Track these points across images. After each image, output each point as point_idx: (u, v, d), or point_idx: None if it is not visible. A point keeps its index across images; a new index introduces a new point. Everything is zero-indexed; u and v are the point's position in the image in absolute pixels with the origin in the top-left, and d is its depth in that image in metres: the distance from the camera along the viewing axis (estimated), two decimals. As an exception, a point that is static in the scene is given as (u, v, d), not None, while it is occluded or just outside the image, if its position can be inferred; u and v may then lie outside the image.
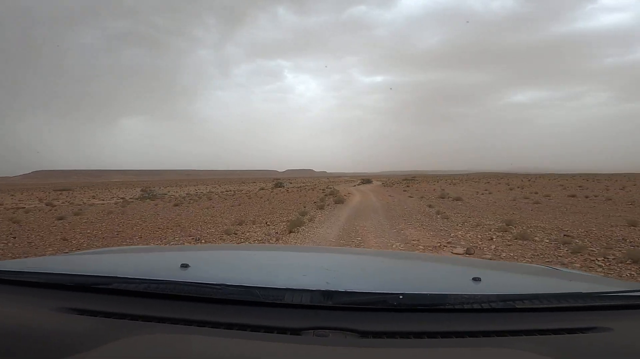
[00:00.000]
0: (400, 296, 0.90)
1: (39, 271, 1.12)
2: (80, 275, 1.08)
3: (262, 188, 44.11)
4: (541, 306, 0.97)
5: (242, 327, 0.84)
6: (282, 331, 0.83)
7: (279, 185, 43.52)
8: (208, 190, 46.43)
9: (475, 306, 0.93)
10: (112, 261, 1.56)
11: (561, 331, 0.88)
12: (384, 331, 0.85)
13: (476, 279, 1.12)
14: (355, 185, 54.19)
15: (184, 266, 1.16)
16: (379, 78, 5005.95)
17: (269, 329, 0.83)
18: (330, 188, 40.70)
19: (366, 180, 76.05)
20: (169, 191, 42.89)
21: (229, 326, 0.84)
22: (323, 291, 0.91)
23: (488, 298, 0.96)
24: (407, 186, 40.99)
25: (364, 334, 0.84)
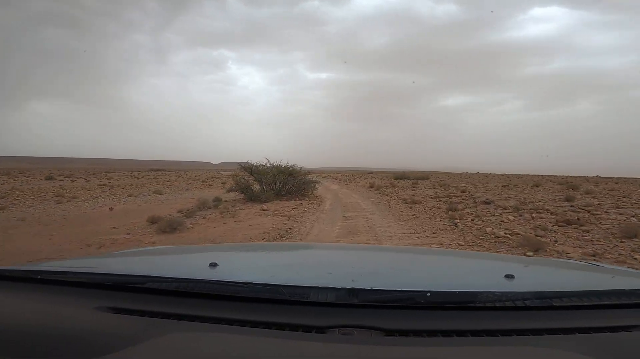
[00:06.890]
0: (428, 294, 0.87)
1: (80, 271, 1.12)
2: (118, 274, 1.10)
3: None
4: (581, 304, 0.91)
5: (268, 325, 0.84)
6: (307, 329, 0.82)
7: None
8: None
9: (509, 304, 0.89)
10: (147, 261, 1.57)
11: (603, 329, 0.83)
12: (411, 330, 0.83)
13: (509, 276, 1.08)
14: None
15: (213, 265, 1.17)
16: (323, 75, 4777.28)
17: (294, 328, 0.83)
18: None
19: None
20: None
21: (255, 324, 0.84)
22: (349, 289, 0.89)
23: (523, 296, 0.90)
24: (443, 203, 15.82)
25: (390, 332, 0.81)
